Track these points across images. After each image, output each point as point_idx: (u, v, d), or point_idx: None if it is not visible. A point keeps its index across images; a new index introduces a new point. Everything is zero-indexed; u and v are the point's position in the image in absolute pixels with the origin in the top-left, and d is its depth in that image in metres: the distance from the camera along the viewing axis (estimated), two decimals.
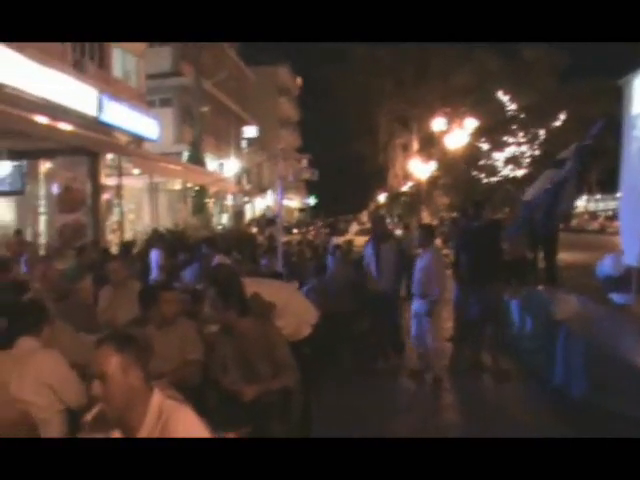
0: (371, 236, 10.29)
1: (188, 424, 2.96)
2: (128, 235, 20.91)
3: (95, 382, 2.89)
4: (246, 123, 49.77)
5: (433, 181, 41.10)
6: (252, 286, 6.20)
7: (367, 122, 51.80)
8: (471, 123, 34.85)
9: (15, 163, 16.04)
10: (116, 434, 2.97)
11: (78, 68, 19.46)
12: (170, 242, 15.26)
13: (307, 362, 6.12)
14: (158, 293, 5.73)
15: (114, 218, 21.00)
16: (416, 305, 9.22)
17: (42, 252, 15.84)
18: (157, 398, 3.00)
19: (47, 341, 4.63)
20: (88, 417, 3.06)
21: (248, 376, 5.33)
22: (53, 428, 4.34)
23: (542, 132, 39.70)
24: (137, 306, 6.68)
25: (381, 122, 52.23)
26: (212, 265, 9.63)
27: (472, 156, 39.34)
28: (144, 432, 2.92)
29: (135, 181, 24.01)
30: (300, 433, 5.55)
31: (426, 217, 40.86)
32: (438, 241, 26.76)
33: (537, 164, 36.06)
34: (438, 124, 34.20)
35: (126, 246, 13.93)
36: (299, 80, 78.58)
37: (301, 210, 66.69)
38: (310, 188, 76.34)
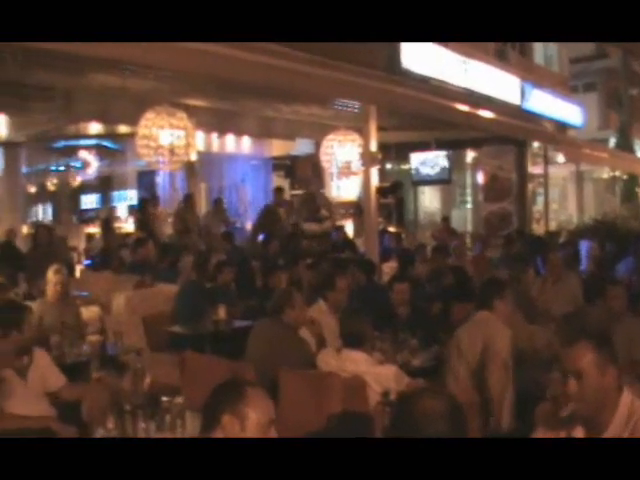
0: None
1: None
2: (552, 225, 20.62)
3: (570, 380, 2.83)
4: None
5: None
6: None
7: None
8: None
9: (442, 152, 16.67)
10: (578, 431, 2.90)
11: (500, 57, 19.65)
12: (600, 233, 14.66)
13: None
14: (605, 287, 5.48)
15: (537, 207, 20.87)
16: None
17: (468, 240, 16.30)
18: (627, 398, 2.88)
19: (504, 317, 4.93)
20: (563, 412, 2.95)
21: None
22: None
23: None
24: (575, 298, 6.56)
25: None
26: None
27: None
28: (611, 432, 2.82)
29: (559, 169, 23.62)
30: None
31: None
32: None
33: None
34: None
35: (558, 237, 13.66)
36: None
37: None
38: None
